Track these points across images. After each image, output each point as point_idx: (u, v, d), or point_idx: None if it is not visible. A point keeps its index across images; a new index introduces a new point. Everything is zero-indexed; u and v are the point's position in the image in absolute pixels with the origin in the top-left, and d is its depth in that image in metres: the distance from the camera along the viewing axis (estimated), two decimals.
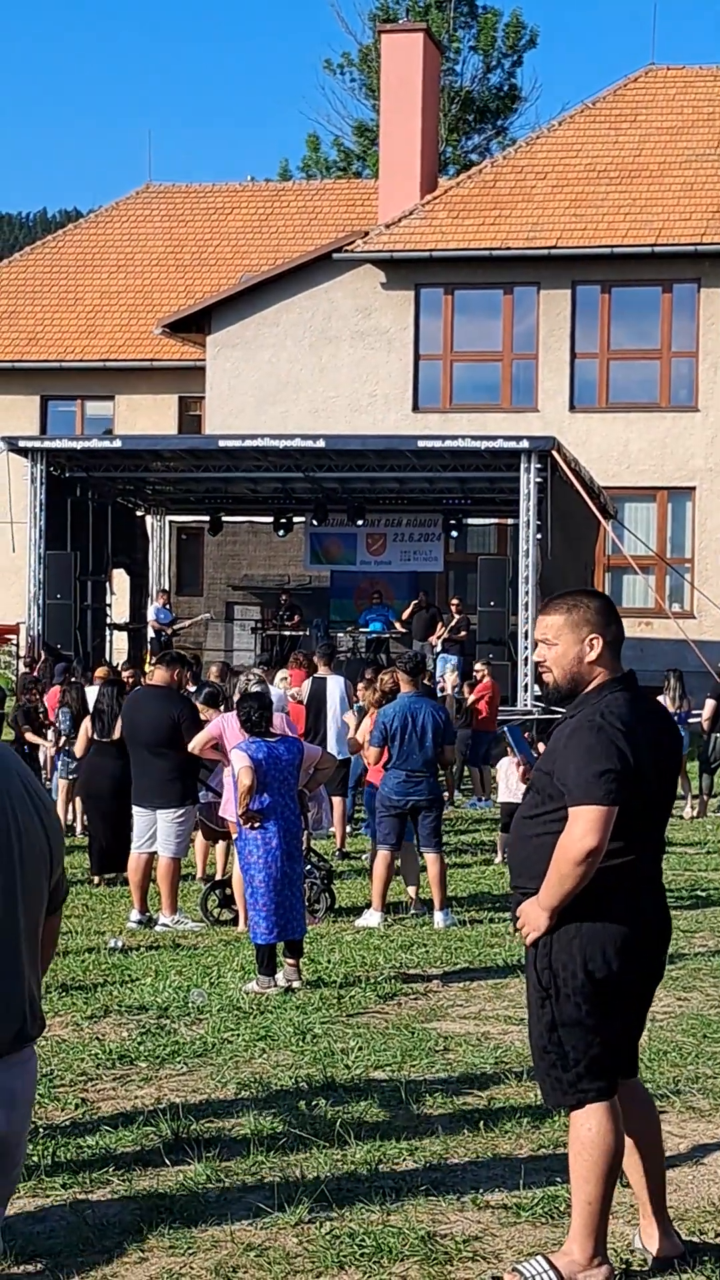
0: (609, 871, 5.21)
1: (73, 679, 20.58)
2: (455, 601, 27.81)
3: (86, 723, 16.63)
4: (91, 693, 18.01)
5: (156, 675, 14.27)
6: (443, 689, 22.39)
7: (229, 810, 12.86)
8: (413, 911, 13.86)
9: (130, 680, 20.05)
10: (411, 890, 14.13)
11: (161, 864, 13.38)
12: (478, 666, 23.14)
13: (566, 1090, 5.39)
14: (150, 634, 29.02)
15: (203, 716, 13.99)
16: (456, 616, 27.07)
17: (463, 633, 26.84)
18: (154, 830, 13.38)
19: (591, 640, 5.44)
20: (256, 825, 10.75)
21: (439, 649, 26.44)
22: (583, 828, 5.12)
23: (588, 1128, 5.36)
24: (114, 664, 24.07)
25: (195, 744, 13.11)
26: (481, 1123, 7.39)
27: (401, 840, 13.66)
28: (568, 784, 5.19)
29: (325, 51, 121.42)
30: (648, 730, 5.35)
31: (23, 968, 3.88)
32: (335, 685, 18.25)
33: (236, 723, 12.14)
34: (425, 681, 14.64)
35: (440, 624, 27.26)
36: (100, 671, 20.49)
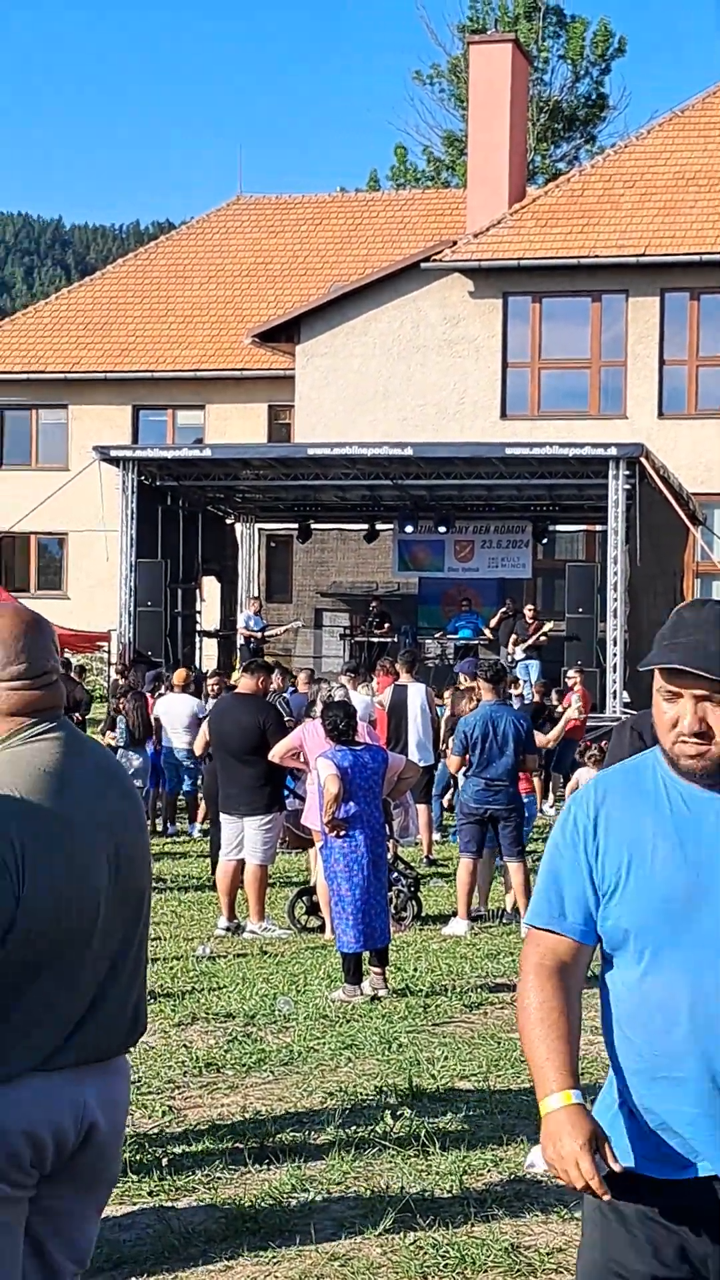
0: None
1: (145, 690, 20.64)
2: (531, 608, 27.72)
3: (205, 727, 16.61)
4: (172, 699, 18.02)
5: (243, 683, 14.34)
6: (519, 694, 22.24)
7: (313, 818, 12.90)
8: (502, 920, 13.86)
9: (216, 687, 20.14)
10: (509, 898, 14.14)
11: (249, 871, 13.42)
12: (570, 674, 23.05)
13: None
14: (240, 641, 29.13)
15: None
16: (534, 623, 26.99)
17: (542, 639, 26.77)
18: (241, 838, 13.43)
19: None
20: (342, 833, 10.79)
21: (519, 656, 26.38)
22: None
23: None
24: (203, 671, 24.21)
25: (276, 753, 13.16)
26: None
27: (483, 847, 13.66)
28: None
29: (414, 63, 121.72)
30: None
31: (128, 976, 3.92)
32: (417, 692, 18.25)
33: (318, 731, 12.19)
34: (510, 689, 14.63)
35: (514, 631, 27.21)
36: (179, 676, 20.62)
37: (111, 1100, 3.91)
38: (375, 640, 28.71)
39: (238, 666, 26.32)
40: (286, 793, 14.79)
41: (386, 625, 28.90)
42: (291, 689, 21.07)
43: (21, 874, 3.64)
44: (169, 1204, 6.44)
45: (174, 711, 19.77)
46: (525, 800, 14.50)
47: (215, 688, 20.13)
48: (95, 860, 3.80)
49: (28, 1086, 3.70)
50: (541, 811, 21.04)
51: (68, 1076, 3.77)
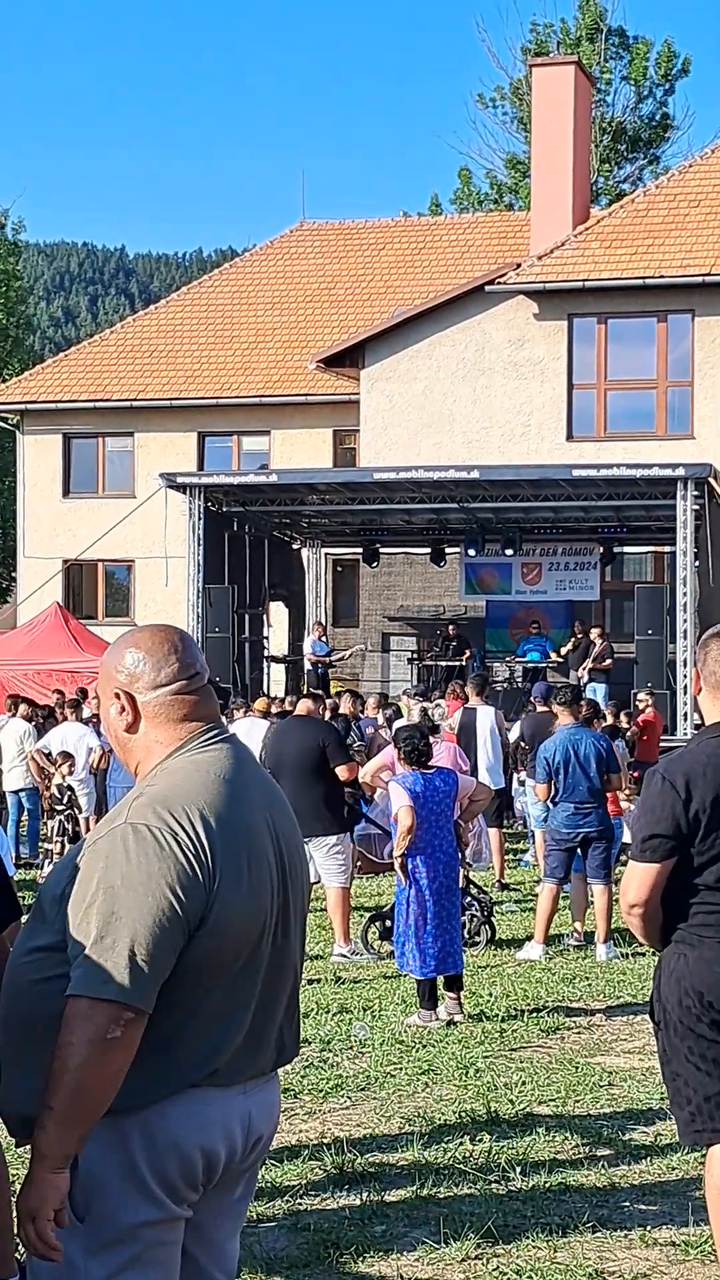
0: (713, 909, 5.20)
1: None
2: (597, 630, 27.63)
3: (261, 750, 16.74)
4: (239, 726, 18.07)
5: (301, 705, 14.39)
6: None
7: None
8: (572, 943, 13.78)
9: (272, 711, 20.17)
10: (578, 925, 14.06)
11: (331, 894, 13.32)
12: (641, 696, 22.95)
13: (684, 1127, 5.31)
14: (307, 666, 29.18)
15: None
16: (599, 645, 26.89)
17: (608, 661, 26.66)
18: (310, 862, 13.38)
19: None
20: (406, 879, 10.77)
21: (586, 679, 26.29)
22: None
23: (707, 1169, 5.29)
24: (275, 696, 24.25)
25: (366, 771, 13.15)
26: (648, 1158, 7.33)
27: (569, 874, 13.60)
28: None
29: (477, 86, 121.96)
30: None
31: (289, 988, 3.92)
32: (486, 715, 18.21)
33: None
34: (588, 712, 14.53)
35: (585, 655, 27.13)
36: (260, 704, 20.64)
37: (270, 1114, 3.92)
38: (443, 664, 28.67)
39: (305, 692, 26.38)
40: (362, 820, 14.76)
41: (467, 652, 28.79)
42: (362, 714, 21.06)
43: (214, 882, 3.64)
44: (250, 1229, 6.43)
45: (254, 734, 19.82)
46: (614, 822, 14.41)
47: (278, 710, 20.18)
48: (269, 870, 3.81)
49: (202, 1100, 3.69)
50: None
51: (235, 1090, 3.77)
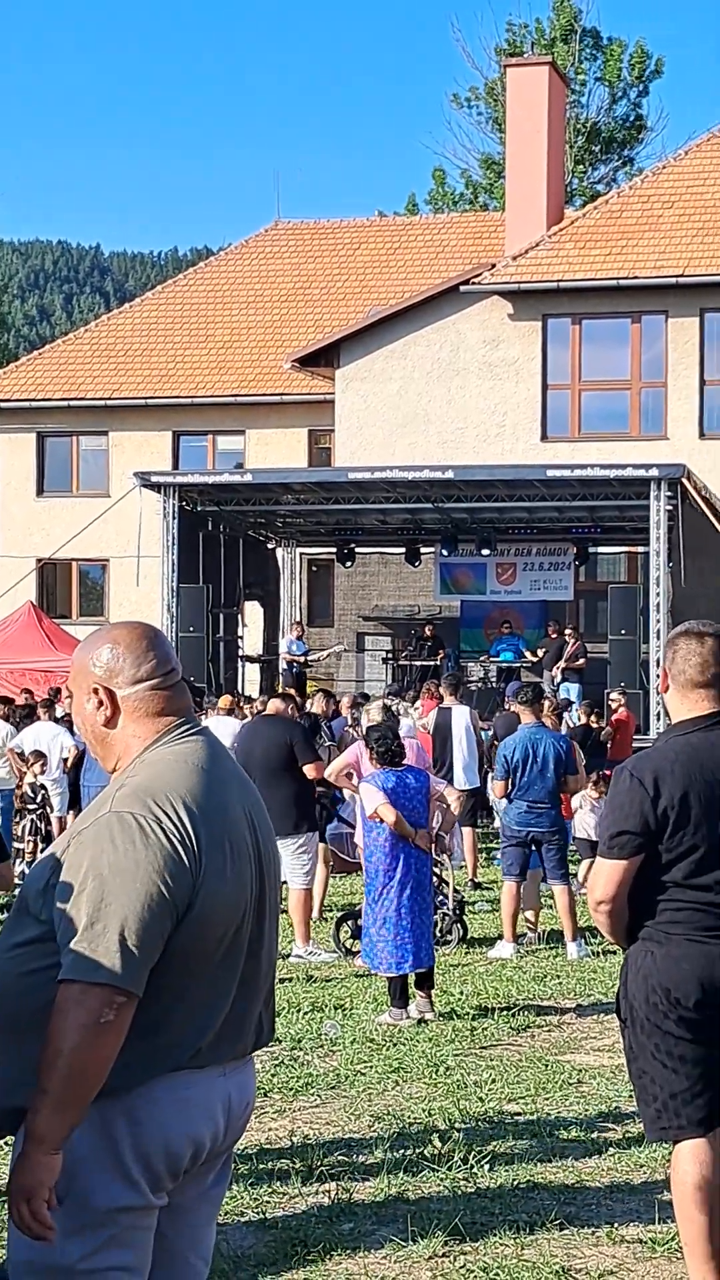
0: (680, 906, 5.22)
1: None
2: (571, 629, 27.69)
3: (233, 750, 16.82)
4: (214, 721, 18.10)
5: (271, 705, 14.43)
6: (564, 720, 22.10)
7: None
8: (529, 938, 13.85)
9: (241, 710, 20.20)
10: (530, 914, 14.13)
11: (292, 895, 13.35)
12: (614, 696, 22.99)
13: (651, 1123, 5.32)
14: (282, 666, 29.16)
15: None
16: (573, 644, 26.95)
17: (581, 661, 26.71)
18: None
19: None
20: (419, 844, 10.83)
21: (559, 678, 26.34)
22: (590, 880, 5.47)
23: (673, 1166, 5.30)
24: (248, 696, 24.27)
25: (331, 770, 13.15)
26: (616, 1156, 7.35)
27: (526, 870, 13.63)
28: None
29: (452, 86, 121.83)
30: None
31: (265, 973, 3.96)
32: (461, 715, 18.24)
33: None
34: (555, 712, 14.59)
35: (559, 655, 27.16)
36: (225, 701, 20.67)
37: (247, 1095, 3.96)
38: (418, 664, 28.69)
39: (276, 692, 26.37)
40: (335, 820, 14.77)
41: (441, 652, 28.80)
42: (335, 714, 21.06)
43: (199, 869, 3.67)
44: (219, 1228, 6.42)
45: (218, 732, 19.81)
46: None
47: (251, 712, 20.20)
48: (249, 858, 3.86)
49: (186, 1083, 3.73)
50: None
51: (214, 1073, 3.81)
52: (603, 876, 5.29)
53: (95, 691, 3.92)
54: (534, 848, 13.57)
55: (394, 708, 16.25)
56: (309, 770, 13.29)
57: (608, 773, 16.88)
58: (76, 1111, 3.55)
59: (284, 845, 13.12)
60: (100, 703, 3.91)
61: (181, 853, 3.65)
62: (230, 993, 3.80)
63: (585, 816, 16.00)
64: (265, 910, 3.93)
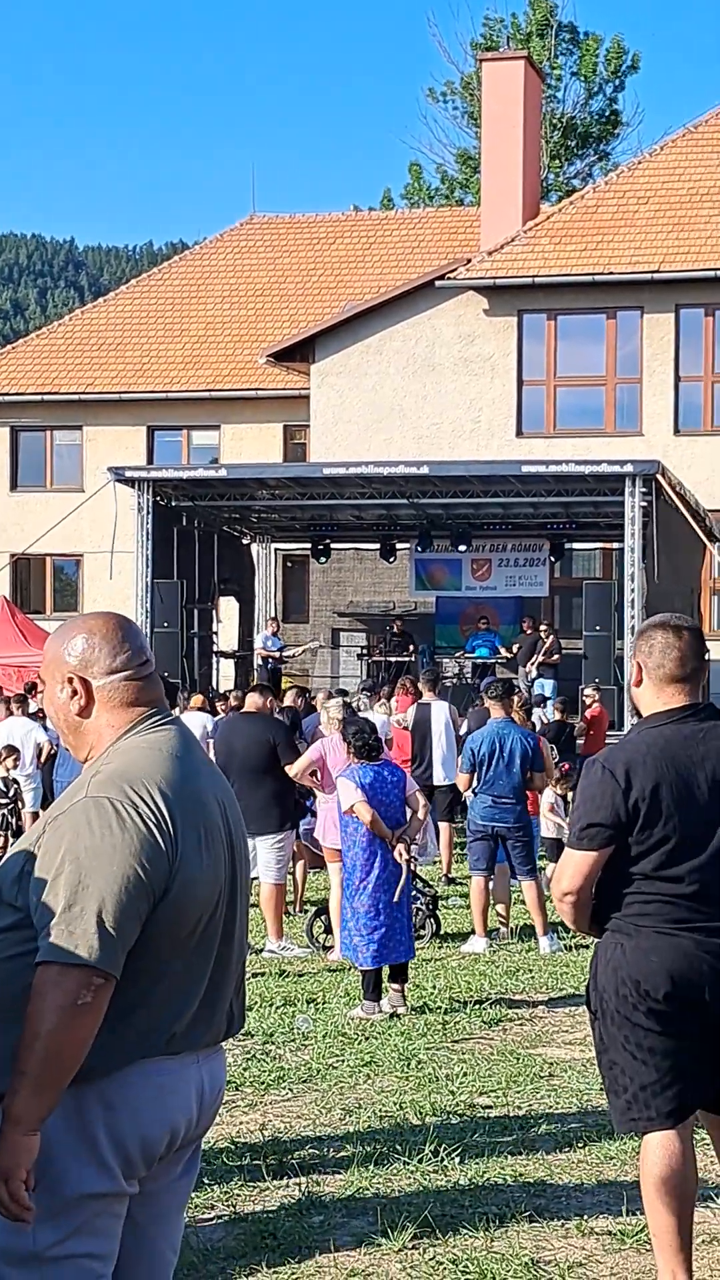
0: (650, 898, 5.23)
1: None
2: (546, 625, 27.71)
3: (211, 747, 16.60)
4: (186, 716, 18.04)
5: (249, 701, 14.32)
6: (538, 716, 22.12)
7: (329, 836, 12.89)
8: (501, 932, 13.88)
9: (225, 707, 20.14)
10: (501, 908, 14.15)
11: (265, 890, 13.34)
12: (588, 692, 23.02)
13: (620, 1115, 5.33)
14: (258, 661, 29.13)
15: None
16: (548, 640, 26.97)
17: (556, 656, 26.74)
18: (253, 856, 13.37)
19: None
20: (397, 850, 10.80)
21: (534, 674, 26.37)
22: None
23: (642, 1157, 5.31)
24: (222, 691, 24.21)
25: (296, 769, 13.12)
26: (586, 1149, 7.36)
27: (493, 864, 13.64)
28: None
29: (427, 80, 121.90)
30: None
31: (236, 960, 3.98)
32: (440, 710, 18.25)
33: (338, 748, 12.19)
34: (523, 708, 14.61)
35: (534, 650, 27.20)
36: (196, 700, 20.62)
37: (218, 1082, 3.98)
38: (393, 660, 28.69)
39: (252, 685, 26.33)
40: (307, 816, 14.76)
41: (411, 648, 28.83)
42: (309, 710, 21.04)
43: (175, 853, 3.69)
44: (188, 1221, 6.42)
45: (189, 725, 19.81)
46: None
47: (228, 708, 20.14)
48: (222, 844, 3.88)
49: (160, 1070, 3.74)
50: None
51: (188, 1060, 3.83)
52: (571, 867, 5.29)
53: (70, 681, 3.93)
54: (501, 844, 13.58)
55: (354, 704, 16.26)
56: (290, 769, 13.26)
57: (566, 766, 16.90)
58: (55, 1093, 3.56)
59: (263, 841, 13.14)
60: (75, 692, 3.93)
61: (158, 837, 3.66)
62: (205, 977, 3.83)
63: (552, 816, 15.93)
64: (237, 897, 3.95)
